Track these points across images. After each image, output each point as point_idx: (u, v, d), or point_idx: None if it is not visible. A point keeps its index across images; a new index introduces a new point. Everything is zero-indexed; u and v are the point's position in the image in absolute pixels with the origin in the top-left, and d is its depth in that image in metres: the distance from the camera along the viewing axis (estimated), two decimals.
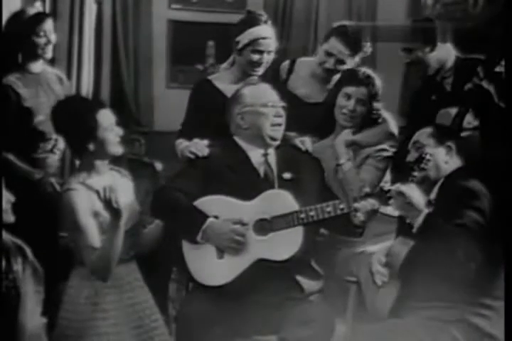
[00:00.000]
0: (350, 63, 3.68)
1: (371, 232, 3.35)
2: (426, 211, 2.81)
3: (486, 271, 2.77)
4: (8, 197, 2.72)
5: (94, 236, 2.89)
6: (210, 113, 3.47)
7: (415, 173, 2.88)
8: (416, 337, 2.78)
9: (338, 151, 3.48)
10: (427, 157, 2.93)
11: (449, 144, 2.99)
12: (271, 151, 3.24)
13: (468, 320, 2.79)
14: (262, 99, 3.24)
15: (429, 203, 2.93)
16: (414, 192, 2.83)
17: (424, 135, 3.04)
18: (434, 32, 3.65)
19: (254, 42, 3.54)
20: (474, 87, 3.21)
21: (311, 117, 3.62)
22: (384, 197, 2.93)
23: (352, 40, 3.64)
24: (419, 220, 2.80)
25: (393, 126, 3.59)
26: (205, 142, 3.31)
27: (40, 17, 3.70)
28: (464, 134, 3.26)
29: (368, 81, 3.53)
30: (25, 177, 3.58)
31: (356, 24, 3.82)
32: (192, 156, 3.26)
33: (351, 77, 3.56)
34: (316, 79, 3.74)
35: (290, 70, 3.81)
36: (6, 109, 3.56)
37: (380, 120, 3.57)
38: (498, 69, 3.24)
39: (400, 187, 2.85)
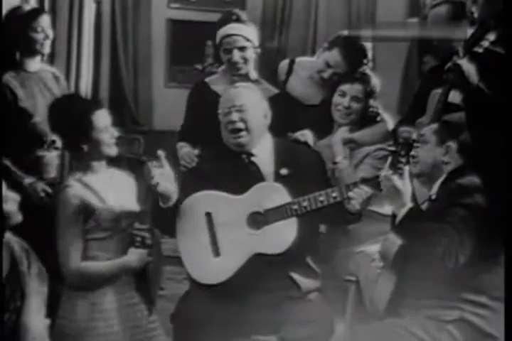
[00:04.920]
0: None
1: (370, 232, 3.35)
2: (410, 205, 2.85)
3: (475, 267, 2.79)
4: (13, 197, 2.71)
5: (75, 236, 2.90)
6: (207, 114, 3.49)
7: (401, 164, 2.90)
8: (415, 336, 2.79)
9: (334, 149, 3.47)
10: (416, 145, 2.96)
11: (448, 144, 2.98)
12: (256, 151, 3.19)
13: (467, 319, 2.80)
14: (222, 106, 3.19)
15: (429, 199, 2.95)
16: (400, 182, 2.86)
17: (429, 131, 3.04)
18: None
19: (221, 42, 3.58)
20: (453, 66, 3.21)
21: (310, 119, 3.62)
22: (377, 183, 2.95)
23: (354, 57, 3.62)
24: (401, 213, 2.84)
25: (391, 126, 3.58)
26: (195, 151, 3.40)
27: (35, 12, 3.70)
28: (455, 115, 3.25)
29: (363, 78, 3.54)
30: (17, 182, 3.56)
31: (361, 36, 3.79)
32: (184, 169, 3.35)
33: (345, 77, 3.57)
34: (314, 81, 3.74)
35: (289, 71, 3.80)
36: (2, 109, 3.54)
37: (378, 118, 3.56)
38: (478, 49, 3.25)
39: (389, 174, 2.89)
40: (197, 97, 3.69)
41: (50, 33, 3.68)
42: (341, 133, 3.50)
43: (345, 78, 3.57)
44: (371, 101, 3.53)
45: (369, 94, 3.52)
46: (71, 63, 5.05)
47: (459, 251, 2.73)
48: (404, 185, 2.88)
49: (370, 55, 3.68)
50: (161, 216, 3.07)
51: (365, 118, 3.55)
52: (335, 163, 3.44)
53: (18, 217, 2.71)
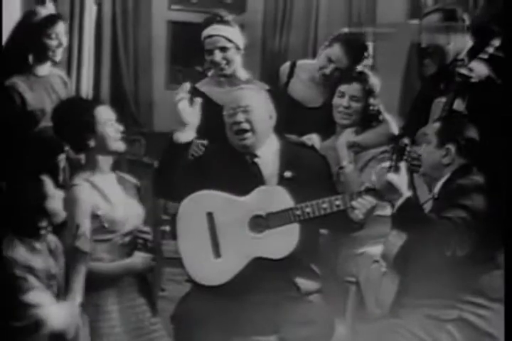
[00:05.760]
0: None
1: (371, 234, 3.34)
2: (407, 195, 2.86)
3: (474, 267, 2.80)
4: (59, 195, 2.75)
5: (84, 233, 2.89)
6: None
7: (392, 162, 2.91)
8: (415, 336, 2.80)
9: (339, 153, 3.46)
10: (407, 149, 2.96)
11: (448, 147, 2.98)
12: (260, 153, 3.20)
13: (467, 319, 2.81)
14: (227, 107, 3.20)
15: (432, 198, 2.96)
16: (394, 176, 2.87)
17: (432, 131, 3.04)
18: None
19: (204, 44, 3.60)
20: (466, 70, 3.25)
21: (311, 121, 3.62)
22: (381, 192, 2.95)
23: (355, 52, 3.64)
24: (399, 202, 2.85)
25: (394, 127, 3.58)
26: (204, 142, 3.38)
27: (53, 19, 3.66)
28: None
29: (361, 77, 3.53)
30: None
31: (362, 32, 3.81)
32: (191, 158, 3.30)
33: (344, 76, 3.57)
34: (315, 83, 3.74)
35: (291, 74, 3.81)
36: (10, 111, 3.53)
37: (380, 117, 3.55)
38: (483, 55, 3.29)
39: (383, 169, 2.92)
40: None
41: (64, 40, 3.67)
42: (346, 136, 3.49)
43: (344, 78, 3.57)
44: (371, 100, 3.52)
45: (368, 92, 3.52)
46: (72, 65, 5.05)
47: (458, 242, 2.73)
48: (400, 178, 2.89)
49: (370, 50, 3.68)
50: (162, 177, 3.12)
51: (367, 118, 3.54)
52: (341, 167, 3.43)
53: (62, 215, 2.74)
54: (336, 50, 3.64)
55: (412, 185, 3.09)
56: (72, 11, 5.13)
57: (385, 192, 2.91)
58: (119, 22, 6.32)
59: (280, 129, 3.31)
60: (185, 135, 3.13)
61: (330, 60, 3.64)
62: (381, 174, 2.92)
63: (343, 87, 3.52)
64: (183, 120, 3.12)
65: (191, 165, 3.20)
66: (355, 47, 3.65)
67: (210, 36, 3.58)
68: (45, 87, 3.69)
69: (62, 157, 3.71)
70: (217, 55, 3.56)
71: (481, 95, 3.26)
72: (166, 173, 3.14)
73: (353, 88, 3.51)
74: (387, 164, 2.94)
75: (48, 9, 3.81)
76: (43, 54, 3.64)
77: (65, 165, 3.82)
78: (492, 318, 2.79)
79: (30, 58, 3.63)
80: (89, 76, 5.20)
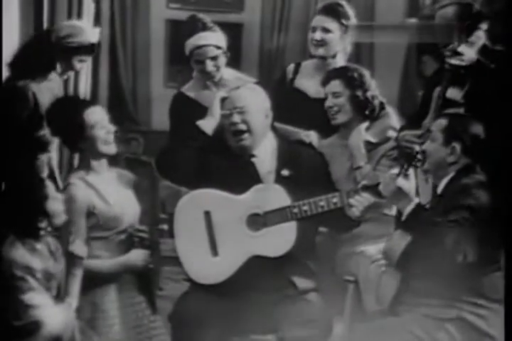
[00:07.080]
0: (338, 35, 3.68)
1: (370, 232, 3.34)
2: (416, 201, 2.86)
3: (477, 269, 2.79)
4: (59, 197, 2.77)
5: (79, 233, 2.91)
6: (188, 121, 3.48)
7: (402, 169, 2.90)
8: (413, 335, 2.79)
9: (354, 153, 3.42)
10: (418, 156, 2.94)
11: (453, 145, 2.96)
12: (257, 152, 3.21)
13: (465, 318, 2.80)
14: (224, 108, 3.22)
15: (436, 196, 2.95)
16: (404, 181, 2.86)
17: (437, 128, 3.02)
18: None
19: (192, 53, 3.55)
20: (452, 52, 3.25)
21: (319, 113, 3.60)
22: (378, 190, 2.94)
23: (334, 10, 3.67)
24: (408, 209, 2.85)
25: (395, 120, 3.56)
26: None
27: (93, 49, 3.73)
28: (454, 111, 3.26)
29: (336, 73, 3.51)
30: None
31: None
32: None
33: (324, 78, 3.56)
34: (320, 72, 3.73)
35: (296, 71, 3.81)
36: (22, 111, 3.56)
37: (375, 102, 3.52)
38: (473, 39, 3.27)
39: (392, 175, 2.89)
40: (175, 107, 3.70)
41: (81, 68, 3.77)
42: (358, 135, 3.46)
43: (322, 81, 3.56)
44: (357, 92, 3.49)
45: (350, 85, 3.49)
46: None
47: (467, 246, 2.73)
48: (410, 184, 2.88)
49: (350, 12, 3.69)
50: (167, 159, 3.15)
51: (361, 108, 3.49)
52: (358, 167, 3.41)
53: (62, 217, 2.74)
54: (317, 18, 3.69)
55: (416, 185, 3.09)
56: (71, 9, 5.12)
57: (393, 198, 2.90)
58: (117, 20, 6.32)
59: (286, 121, 3.35)
60: (207, 125, 3.23)
61: (315, 28, 3.66)
62: (389, 180, 2.90)
63: (325, 90, 3.52)
64: (213, 112, 3.24)
65: (195, 155, 3.22)
66: (333, 7, 3.68)
67: (199, 47, 3.54)
68: (50, 90, 3.70)
69: (45, 155, 3.72)
70: (209, 65, 3.54)
71: (476, 82, 3.24)
72: (174, 154, 3.19)
73: (331, 85, 3.49)
74: (395, 170, 2.93)
75: (95, 33, 3.84)
76: (63, 69, 3.71)
77: (50, 162, 3.84)
78: (491, 318, 2.78)
79: (58, 66, 3.69)
80: (88, 75, 5.20)
